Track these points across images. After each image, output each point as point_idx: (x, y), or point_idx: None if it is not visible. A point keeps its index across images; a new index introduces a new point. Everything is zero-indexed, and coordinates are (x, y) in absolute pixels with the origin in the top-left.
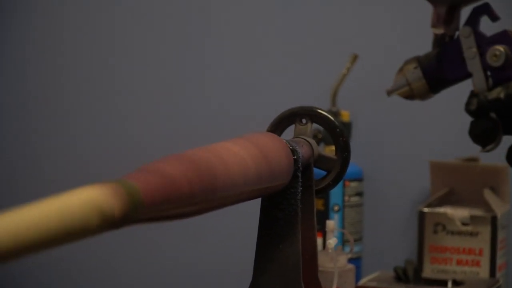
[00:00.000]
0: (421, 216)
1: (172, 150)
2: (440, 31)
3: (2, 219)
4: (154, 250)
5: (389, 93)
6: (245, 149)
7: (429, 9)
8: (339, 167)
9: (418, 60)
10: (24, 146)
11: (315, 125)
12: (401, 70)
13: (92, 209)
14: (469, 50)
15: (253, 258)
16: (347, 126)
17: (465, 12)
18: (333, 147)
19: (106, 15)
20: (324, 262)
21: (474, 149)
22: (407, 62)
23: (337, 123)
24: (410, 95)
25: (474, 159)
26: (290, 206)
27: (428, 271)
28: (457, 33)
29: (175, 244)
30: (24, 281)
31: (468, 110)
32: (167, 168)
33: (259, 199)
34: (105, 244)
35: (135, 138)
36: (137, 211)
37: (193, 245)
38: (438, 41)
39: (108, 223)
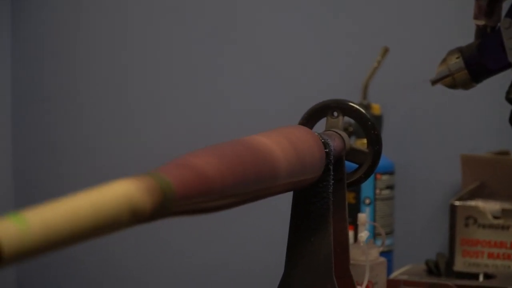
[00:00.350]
0: (453, 209)
1: (201, 145)
2: (481, 22)
3: (36, 213)
4: (180, 246)
5: (433, 83)
6: (276, 143)
7: (459, 2)
8: (370, 160)
9: (460, 50)
10: (45, 142)
11: (346, 118)
12: (444, 60)
13: (125, 203)
14: (510, 40)
15: (285, 252)
16: (378, 119)
17: (506, 4)
18: (364, 140)
19: (118, 16)
20: (355, 255)
21: (505, 143)
22: (450, 53)
23: (368, 116)
24: (452, 85)
25: (505, 153)
26: (322, 200)
27: (460, 265)
28: (498, 24)
29: (204, 238)
30: (32, 278)
31: (508, 98)
32: (199, 162)
33: (291, 193)
34: (122, 242)
35: (153, 134)
36: (170, 205)
37: (224, 240)
38: (480, 32)
39: (141, 216)
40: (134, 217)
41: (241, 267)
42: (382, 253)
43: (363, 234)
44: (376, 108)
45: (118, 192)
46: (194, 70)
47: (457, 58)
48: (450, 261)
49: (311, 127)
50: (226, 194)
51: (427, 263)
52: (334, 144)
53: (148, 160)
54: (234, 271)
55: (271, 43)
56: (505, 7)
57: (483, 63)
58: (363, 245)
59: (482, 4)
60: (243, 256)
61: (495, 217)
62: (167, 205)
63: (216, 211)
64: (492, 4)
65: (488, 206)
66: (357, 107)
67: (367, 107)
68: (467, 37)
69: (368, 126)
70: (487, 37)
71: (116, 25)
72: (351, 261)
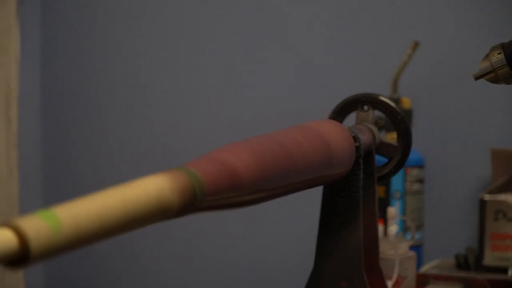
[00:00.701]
0: (482, 203)
1: (232, 139)
2: None
3: (67, 209)
4: (210, 242)
5: (476, 78)
6: (307, 137)
7: None
8: (400, 154)
9: (502, 46)
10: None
11: (376, 112)
12: (486, 56)
13: (155, 199)
14: None
15: (314, 246)
16: (408, 113)
17: None
18: (393, 134)
19: (134, 23)
20: (385, 249)
21: None
22: (492, 49)
23: (398, 110)
24: (495, 80)
25: None
26: (352, 193)
27: (489, 259)
28: None
29: (235, 233)
30: (59, 274)
31: None
32: (230, 157)
33: (321, 187)
34: (148, 238)
35: (183, 130)
36: (201, 200)
37: (254, 234)
38: None
39: (171, 212)
40: (164, 212)
41: (271, 261)
42: (412, 247)
43: (393, 228)
44: (406, 102)
45: (148, 188)
46: (226, 64)
47: (498, 53)
48: (479, 255)
49: (341, 120)
50: (257, 189)
51: (456, 257)
52: (364, 138)
53: (178, 156)
54: (264, 265)
55: (303, 37)
56: None
57: None
58: (393, 239)
59: None
60: (272, 250)
61: None
62: (199, 198)
63: (246, 205)
64: None
65: None
66: (387, 101)
67: (397, 101)
68: (497, 32)
69: (398, 120)
70: None
71: (142, 26)
72: (381, 255)
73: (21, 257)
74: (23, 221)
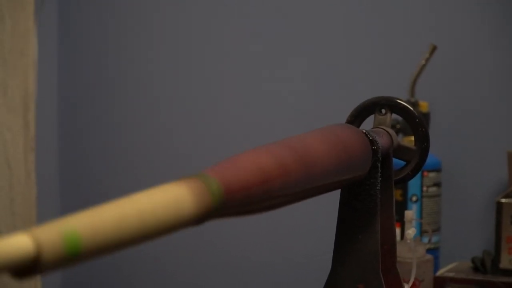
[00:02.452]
0: (499, 207)
1: (251, 145)
2: None
3: (83, 219)
4: (227, 246)
5: None
6: (325, 141)
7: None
8: (418, 158)
9: None
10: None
11: (394, 115)
12: None
13: (174, 208)
14: None
15: (332, 249)
16: (426, 116)
17: None
18: (411, 138)
19: (152, 26)
20: (402, 252)
21: None
22: None
23: (416, 113)
24: None
25: None
26: (370, 197)
27: (506, 262)
28: None
29: (250, 239)
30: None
31: None
32: (248, 164)
33: (338, 191)
34: (169, 243)
35: (204, 134)
36: (219, 208)
37: (271, 236)
38: None
39: (189, 221)
40: (182, 222)
41: (288, 262)
42: (429, 250)
43: (411, 231)
44: (424, 106)
45: (167, 197)
46: (244, 67)
47: None
48: (496, 259)
49: (359, 124)
50: (275, 195)
51: (473, 260)
52: (382, 141)
53: (196, 160)
54: (278, 266)
55: (321, 40)
56: None
57: None
58: (410, 242)
59: None
60: (290, 252)
61: None
62: (217, 206)
63: (264, 212)
64: None
65: None
66: (405, 104)
67: (415, 104)
68: None
69: (416, 123)
70: None
71: (159, 29)
72: (398, 258)
73: (32, 267)
74: (40, 231)
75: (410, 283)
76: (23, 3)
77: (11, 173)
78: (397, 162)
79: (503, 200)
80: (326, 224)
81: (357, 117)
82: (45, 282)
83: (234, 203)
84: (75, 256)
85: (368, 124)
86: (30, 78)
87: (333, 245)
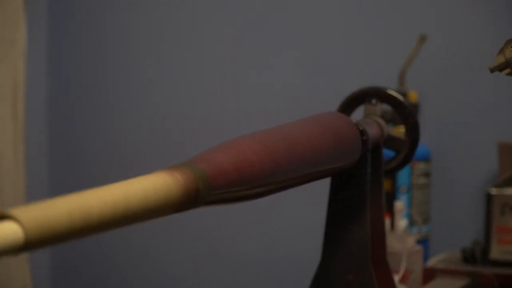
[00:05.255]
0: (489, 197)
1: (239, 133)
2: None
3: (78, 198)
4: (214, 237)
5: (492, 70)
6: (314, 130)
7: None
8: (408, 148)
9: None
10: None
11: (383, 105)
12: (501, 49)
13: (162, 193)
14: None
15: (321, 239)
16: (415, 106)
17: None
18: (400, 128)
19: (144, 17)
20: (392, 243)
21: None
22: (507, 42)
23: (406, 104)
24: (510, 73)
25: None
26: (359, 187)
27: (496, 252)
28: None
29: (238, 228)
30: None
31: None
32: (234, 151)
33: (328, 181)
34: (158, 232)
35: (188, 129)
36: (205, 195)
37: (260, 228)
38: None
39: (176, 206)
40: (167, 206)
41: (277, 255)
42: (418, 241)
43: (402, 222)
44: (413, 96)
45: (151, 182)
46: (236, 59)
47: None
48: (486, 249)
49: (349, 113)
50: (263, 182)
51: (463, 251)
52: (372, 131)
53: (187, 150)
54: (269, 259)
55: (311, 31)
56: None
57: None
58: (400, 233)
59: None
60: (279, 244)
61: None
62: (201, 195)
63: (252, 199)
64: None
65: None
66: (396, 94)
67: (404, 94)
68: (505, 25)
69: (406, 113)
70: None
71: (152, 20)
72: (388, 249)
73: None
74: (23, 211)
75: (400, 274)
76: None
77: (0, 162)
78: (387, 153)
79: (493, 191)
80: (315, 213)
81: (347, 107)
82: (35, 275)
83: (221, 190)
84: (60, 232)
85: (358, 114)
86: (19, 69)
87: (322, 234)
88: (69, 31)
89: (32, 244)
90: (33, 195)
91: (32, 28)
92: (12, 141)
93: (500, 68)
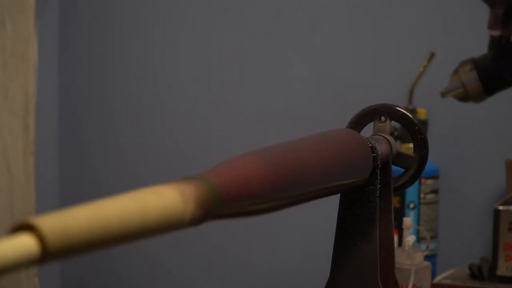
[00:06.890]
0: (496, 214)
1: (249, 147)
2: (497, 32)
3: (82, 211)
4: (227, 249)
5: (443, 95)
6: (324, 146)
7: None
8: (417, 165)
9: (474, 61)
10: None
11: (392, 123)
12: (456, 71)
13: (173, 207)
14: None
15: (331, 255)
16: (424, 124)
17: None
18: (409, 145)
19: (154, 29)
20: (400, 259)
21: None
22: (462, 64)
23: (415, 121)
24: (464, 97)
25: None
26: (369, 203)
27: (503, 269)
28: None
29: (249, 242)
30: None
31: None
32: (245, 166)
33: (338, 197)
34: (169, 248)
35: (200, 136)
36: (217, 209)
37: (269, 243)
38: (495, 42)
39: (187, 221)
40: (180, 221)
41: (287, 268)
42: (426, 257)
43: (410, 238)
44: (422, 113)
45: (165, 197)
46: (244, 71)
47: (470, 70)
48: (493, 266)
49: (358, 130)
50: (274, 197)
51: (470, 267)
52: (382, 148)
53: (196, 161)
54: (280, 272)
55: (320, 47)
56: None
57: (499, 74)
58: (409, 249)
59: (498, 13)
60: (289, 258)
61: None
62: (214, 210)
63: (262, 214)
64: (508, 14)
65: None
66: (405, 111)
67: (413, 111)
68: None
69: (415, 130)
70: (503, 48)
71: (160, 31)
72: (396, 265)
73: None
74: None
75: None
76: (24, 8)
77: (11, 176)
78: (395, 169)
79: (501, 207)
80: (325, 229)
81: (356, 124)
82: (43, 283)
83: (233, 204)
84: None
85: (367, 131)
86: (30, 82)
87: (331, 249)
88: (80, 45)
89: (52, 254)
90: (43, 209)
91: (43, 43)
92: (23, 155)
93: (454, 92)
